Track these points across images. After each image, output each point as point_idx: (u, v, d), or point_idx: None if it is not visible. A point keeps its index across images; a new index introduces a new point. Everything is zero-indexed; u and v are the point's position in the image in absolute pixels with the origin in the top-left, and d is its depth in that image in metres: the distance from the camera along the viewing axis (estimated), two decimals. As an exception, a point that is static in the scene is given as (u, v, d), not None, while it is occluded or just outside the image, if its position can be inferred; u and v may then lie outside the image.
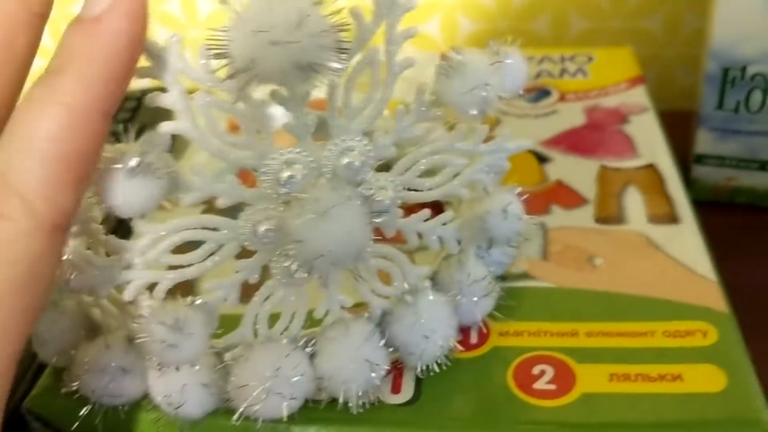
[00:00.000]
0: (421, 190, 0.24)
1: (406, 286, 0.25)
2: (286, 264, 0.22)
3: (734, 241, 0.38)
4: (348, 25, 0.20)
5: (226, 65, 0.19)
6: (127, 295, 0.23)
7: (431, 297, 0.25)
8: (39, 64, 0.20)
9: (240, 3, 0.18)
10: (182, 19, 0.58)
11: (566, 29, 0.55)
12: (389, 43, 0.22)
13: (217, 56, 0.19)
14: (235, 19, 0.19)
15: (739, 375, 0.24)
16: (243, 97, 0.21)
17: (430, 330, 0.24)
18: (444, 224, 0.25)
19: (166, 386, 0.23)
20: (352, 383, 0.23)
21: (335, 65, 0.19)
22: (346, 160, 0.22)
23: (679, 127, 0.41)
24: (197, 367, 0.23)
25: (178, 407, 0.23)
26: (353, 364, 0.23)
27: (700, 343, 0.25)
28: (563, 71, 0.44)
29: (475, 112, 0.23)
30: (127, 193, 0.20)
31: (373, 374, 0.23)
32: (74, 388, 0.24)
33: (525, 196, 0.26)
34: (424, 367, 0.25)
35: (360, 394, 0.23)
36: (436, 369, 0.24)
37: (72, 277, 0.22)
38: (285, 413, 0.23)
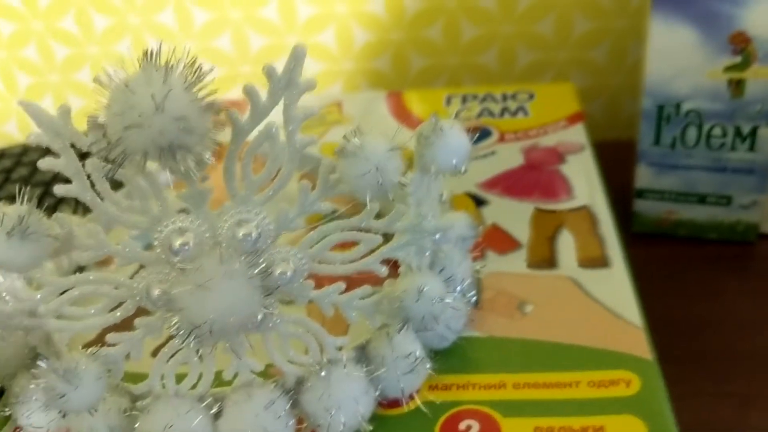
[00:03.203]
0: (333, 264, 0.25)
1: (324, 356, 0.25)
2: (173, 329, 0.22)
3: (675, 273, 0.39)
4: (218, 107, 0.20)
5: (104, 138, 0.20)
6: (32, 340, 0.24)
7: (345, 370, 0.24)
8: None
9: (112, 83, 0.19)
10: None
11: (513, 62, 0.56)
12: (288, 122, 0.22)
13: (97, 130, 0.20)
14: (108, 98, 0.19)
15: (660, 425, 0.24)
16: (135, 167, 0.21)
17: (336, 405, 0.24)
18: (362, 298, 0.25)
19: (77, 424, 0.24)
20: None
21: (201, 148, 0.20)
22: (242, 232, 0.22)
23: (624, 157, 0.42)
24: (108, 410, 0.24)
25: None
26: (250, 431, 0.23)
27: (623, 393, 0.25)
28: (504, 110, 0.44)
29: (369, 196, 0.23)
30: (5, 252, 0.21)
31: None
32: (8, 413, 0.25)
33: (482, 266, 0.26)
34: None
35: None
36: None
37: None
38: None
